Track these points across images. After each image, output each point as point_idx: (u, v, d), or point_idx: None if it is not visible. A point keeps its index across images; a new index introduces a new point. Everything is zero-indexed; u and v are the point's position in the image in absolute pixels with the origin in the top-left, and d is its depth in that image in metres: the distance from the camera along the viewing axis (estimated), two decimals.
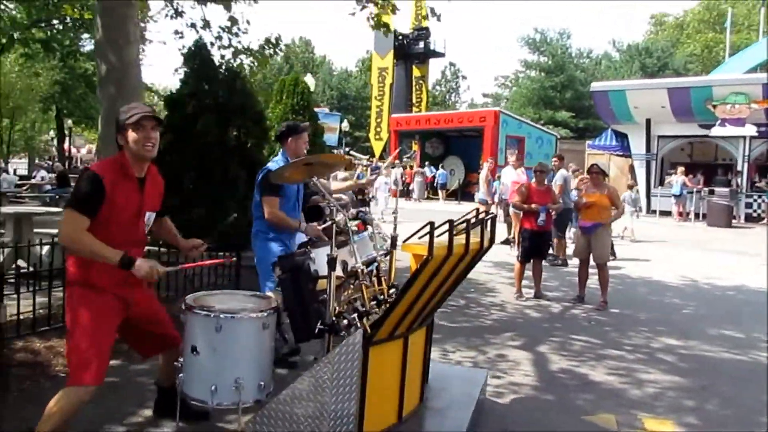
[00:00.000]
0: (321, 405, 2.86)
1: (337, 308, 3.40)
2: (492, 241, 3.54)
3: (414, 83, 40.92)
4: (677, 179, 21.48)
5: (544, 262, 8.54)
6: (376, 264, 3.71)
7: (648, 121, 23.82)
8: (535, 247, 7.97)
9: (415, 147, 32.93)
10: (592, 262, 7.81)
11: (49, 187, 19.39)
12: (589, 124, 45.06)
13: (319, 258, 3.24)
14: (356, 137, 50.97)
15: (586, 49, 55.70)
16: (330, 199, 3.10)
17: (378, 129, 38.05)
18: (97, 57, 5.83)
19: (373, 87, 39.67)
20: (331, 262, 3.03)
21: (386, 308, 2.98)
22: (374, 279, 3.66)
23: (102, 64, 5.64)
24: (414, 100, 40.54)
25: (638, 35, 73.00)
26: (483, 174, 13.72)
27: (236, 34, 8.07)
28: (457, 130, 30.19)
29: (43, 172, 23.66)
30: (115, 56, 5.55)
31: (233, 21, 7.88)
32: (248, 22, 8.22)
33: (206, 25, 7.96)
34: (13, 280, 5.13)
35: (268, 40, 8.06)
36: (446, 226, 2.88)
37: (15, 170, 29.53)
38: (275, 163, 4.61)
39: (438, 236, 2.95)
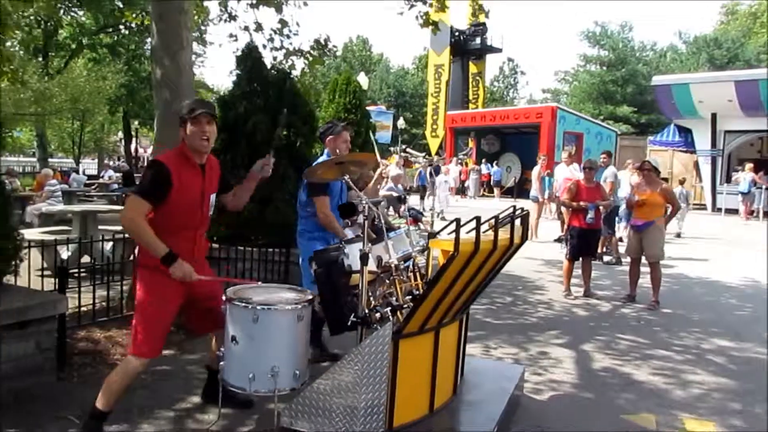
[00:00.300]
0: (353, 394, 2.99)
1: (372, 302, 3.52)
2: (524, 238, 3.58)
3: (471, 80, 40.62)
4: (745, 176, 20.72)
5: (596, 260, 8.45)
6: (411, 260, 3.81)
7: (713, 116, 22.98)
8: (584, 245, 7.89)
9: (471, 144, 32.74)
10: (644, 261, 7.70)
11: (115, 186, 20.17)
12: (652, 120, 43.77)
13: (353, 253, 3.36)
14: (413, 134, 51.01)
15: (649, 42, 54.04)
16: (362, 197, 3.21)
17: (434, 126, 37.94)
18: (152, 62, 6.09)
19: (430, 84, 39.54)
20: (364, 257, 3.14)
21: (414, 302, 3.06)
22: (410, 274, 3.76)
23: (157, 68, 5.89)
24: (471, 97, 40.25)
25: (708, 26, 70.43)
26: (535, 171, 13.60)
27: (287, 36, 8.27)
28: (514, 126, 29.87)
29: (110, 172, 24.67)
30: (170, 61, 5.79)
31: (283, 23, 8.07)
32: (298, 24, 8.43)
33: (258, 27, 8.18)
34: (76, 274, 5.43)
35: (317, 41, 8.22)
36: (473, 223, 2.95)
37: (84, 170, 30.83)
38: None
39: (467, 232, 3.03)
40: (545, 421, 4.02)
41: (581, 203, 7.78)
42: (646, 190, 7.65)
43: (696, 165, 24.54)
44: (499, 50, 42.22)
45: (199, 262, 3.46)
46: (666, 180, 24.58)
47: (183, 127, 3.34)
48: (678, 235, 14.52)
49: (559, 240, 11.98)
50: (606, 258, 10.75)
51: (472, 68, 40.43)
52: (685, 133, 24.37)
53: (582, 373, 5.08)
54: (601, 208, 7.92)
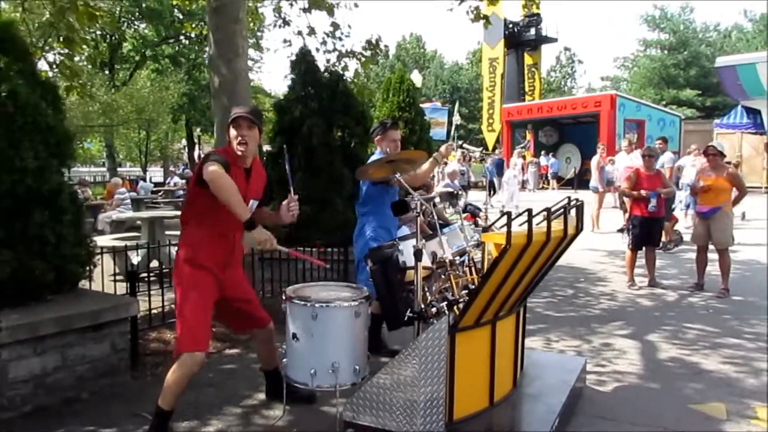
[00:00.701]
0: (412, 388, 3.04)
1: (428, 297, 3.56)
2: (579, 228, 3.55)
3: (526, 71, 40.00)
4: None
5: (660, 249, 8.24)
6: (467, 255, 3.83)
7: None
8: (646, 234, 7.70)
9: (528, 137, 32.28)
10: (712, 248, 7.48)
11: (181, 192, 20.82)
12: (718, 102, 42.14)
13: (407, 249, 3.41)
14: (469, 130, 50.64)
15: (712, 22, 52.16)
16: (414, 194, 3.26)
17: (490, 120, 37.55)
18: (210, 70, 6.30)
19: (484, 78, 39.14)
20: (417, 253, 3.19)
21: (469, 296, 3.09)
22: (465, 269, 3.79)
23: (215, 76, 6.09)
24: (527, 89, 39.63)
25: None
26: (595, 161, 13.34)
27: (339, 38, 8.40)
28: (572, 116, 29.27)
29: (176, 179, 25.47)
30: (226, 69, 5.99)
31: (335, 26, 8.20)
32: (349, 26, 8.58)
33: (311, 31, 8.34)
34: (146, 278, 5.68)
35: (369, 42, 8.32)
36: (525, 216, 2.96)
37: (151, 178, 31.89)
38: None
39: (520, 225, 3.04)
40: (609, 412, 3.98)
41: (642, 192, 7.60)
42: (711, 175, 7.42)
43: (767, 146, 23.52)
44: (555, 40, 41.40)
45: (232, 265, 3.56)
46: (736, 165, 23.73)
47: (228, 130, 3.47)
48: (743, 216, 13.90)
49: (621, 230, 11.68)
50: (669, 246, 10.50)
51: (527, 60, 39.79)
52: (754, 114, 23.41)
53: (647, 363, 4.99)
54: (662, 195, 7.72)
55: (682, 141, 25.66)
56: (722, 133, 24.86)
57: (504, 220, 2.93)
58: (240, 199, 3.16)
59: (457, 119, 32.81)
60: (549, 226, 3.09)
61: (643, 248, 7.82)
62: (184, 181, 23.20)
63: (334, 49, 8.44)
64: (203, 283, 3.40)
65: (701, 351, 5.29)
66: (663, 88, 45.76)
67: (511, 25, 37.71)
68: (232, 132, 3.40)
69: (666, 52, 47.65)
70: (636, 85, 48.65)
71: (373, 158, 4.82)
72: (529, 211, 2.97)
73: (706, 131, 26.74)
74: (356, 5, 8.98)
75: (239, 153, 3.40)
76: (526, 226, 2.94)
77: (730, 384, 4.54)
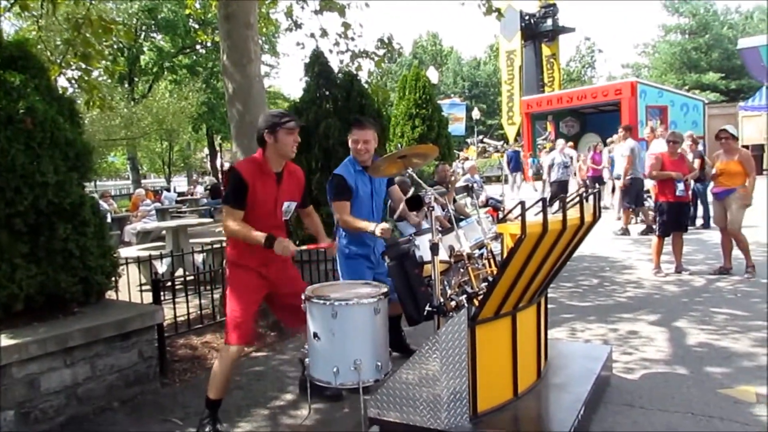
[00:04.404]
0: (435, 382, 3.05)
1: (448, 291, 3.56)
2: (596, 216, 3.52)
3: (545, 62, 39.64)
4: None
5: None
6: (485, 247, 3.82)
7: None
8: (674, 219, 7.61)
9: (549, 128, 31.99)
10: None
11: (205, 200, 21.03)
12: (743, 85, 41.35)
13: (424, 244, 3.41)
14: (489, 125, 50.39)
15: (734, 4, 51.27)
16: (427, 189, 3.26)
17: (510, 113, 37.27)
18: (223, 78, 6.35)
19: (502, 71, 38.88)
20: (434, 248, 3.20)
21: (488, 288, 3.08)
22: (485, 262, 3.78)
23: (229, 83, 6.14)
24: (546, 80, 39.24)
25: None
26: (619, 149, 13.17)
27: (352, 39, 8.40)
28: (593, 105, 28.86)
29: (199, 188, 25.74)
30: (240, 75, 6.03)
31: (346, 26, 8.20)
32: (361, 26, 8.55)
33: (324, 33, 8.36)
34: (170, 286, 5.75)
35: (381, 40, 8.32)
36: (540, 205, 2.94)
37: (175, 188, 32.24)
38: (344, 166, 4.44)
39: (535, 215, 3.02)
40: (637, 399, 3.94)
41: (672, 173, 7.51)
42: (722, 160, 7.37)
43: None
44: (572, 30, 40.93)
45: (276, 263, 3.68)
46: (761, 147, 23.26)
47: (274, 134, 3.54)
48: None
49: (646, 232, 11.36)
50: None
51: (545, 51, 39.43)
52: None
53: (675, 349, 4.93)
54: (689, 179, 7.67)
55: (707, 125, 25.19)
56: (748, 116, 24.43)
57: (519, 210, 2.92)
58: (249, 233, 3.44)
59: (476, 114, 32.63)
60: (565, 215, 3.06)
61: (671, 234, 7.71)
62: (208, 190, 23.40)
63: (347, 50, 8.45)
64: (244, 282, 3.63)
65: (730, 335, 5.21)
66: (685, 73, 45.04)
67: (527, 17, 37.42)
68: (285, 138, 3.53)
69: (687, 36, 46.91)
70: (657, 71, 47.93)
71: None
72: (544, 200, 2.95)
73: (731, 114, 26.22)
74: (367, 5, 8.96)
75: (292, 155, 3.62)
76: (541, 215, 2.93)
77: (760, 368, 4.46)
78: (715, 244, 9.20)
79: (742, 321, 5.58)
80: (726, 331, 5.34)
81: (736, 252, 7.47)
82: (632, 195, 11.05)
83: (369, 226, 3.98)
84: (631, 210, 11.56)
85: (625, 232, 11.27)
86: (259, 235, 3.41)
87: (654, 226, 8.68)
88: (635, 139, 11.59)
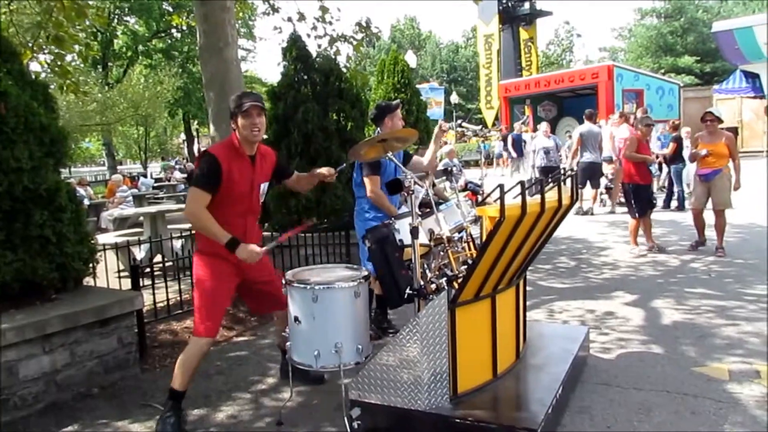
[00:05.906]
0: (416, 364, 3.08)
1: (428, 274, 3.59)
2: (573, 198, 3.57)
3: (522, 46, 39.69)
4: None
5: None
6: (465, 230, 3.85)
7: None
8: (648, 200, 7.77)
9: (527, 112, 32.11)
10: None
11: (182, 186, 20.83)
12: (717, 68, 41.77)
13: (404, 228, 3.43)
14: (468, 109, 50.43)
15: None
16: (407, 172, 3.27)
17: (488, 98, 37.33)
18: (200, 62, 6.28)
19: (480, 55, 38.85)
20: (414, 231, 3.22)
21: (467, 270, 3.11)
22: (464, 245, 3.80)
23: (205, 67, 6.08)
24: (524, 64, 39.28)
25: None
26: (606, 131, 13.21)
27: (330, 23, 8.33)
28: (570, 89, 29.03)
29: (177, 173, 25.48)
30: (217, 58, 5.97)
31: (324, 10, 8.14)
32: (339, 10, 8.47)
33: (301, 17, 8.29)
34: (149, 272, 5.72)
35: (359, 24, 8.26)
36: (519, 188, 2.97)
37: (152, 174, 31.87)
38: None
39: (514, 198, 3.05)
40: (613, 378, 4.02)
41: (648, 157, 7.65)
42: (706, 141, 7.48)
43: (767, 110, 23.40)
44: (549, 13, 41.00)
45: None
46: (735, 130, 23.59)
47: (234, 120, 3.48)
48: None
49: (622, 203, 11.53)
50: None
51: (523, 34, 39.45)
52: (753, 78, 23.29)
53: (651, 329, 5.02)
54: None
55: (682, 108, 25.50)
56: (721, 99, 24.75)
57: (498, 193, 2.94)
58: (214, 228, 3.33)
59: (454, 98, 32.64)
60: (543, 198, 3.10)
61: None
62: (184, 175, 23.21)
63: (325, 34, 8.38)
64: (217, 270, 3.51)
65: (704, 315, 5.32)
66: (661, 56, 45.42)
67: (505, 1, 37.41)
68: (243, 121, 3.42)
69: (662, 19, 47.25)
70: (633, 55, 48.27)
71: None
72: (522, 182, 2.98)
73: (706, 98, 26.57)
74: None
75: (255, 139, 3.48)
76: (520, 198, 2.96)
77: (734, 345, 4.56)
78: (689, 226, 9.36)
79: (716, 301, 5.69)
80: (700, 310, 5.45)
81: (709, 234, 7.63)
82: (584, 178, 11.19)
83: (393, 210, 4.46)
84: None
85: (588, 212, 11.76)
86: (223, 234, 3.32)
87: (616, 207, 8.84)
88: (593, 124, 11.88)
